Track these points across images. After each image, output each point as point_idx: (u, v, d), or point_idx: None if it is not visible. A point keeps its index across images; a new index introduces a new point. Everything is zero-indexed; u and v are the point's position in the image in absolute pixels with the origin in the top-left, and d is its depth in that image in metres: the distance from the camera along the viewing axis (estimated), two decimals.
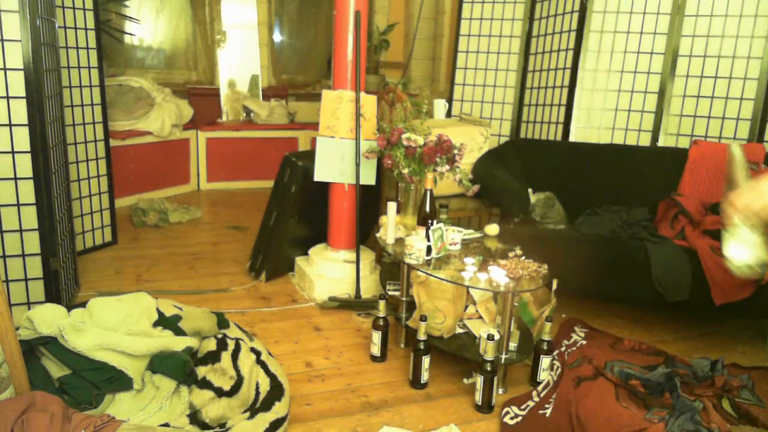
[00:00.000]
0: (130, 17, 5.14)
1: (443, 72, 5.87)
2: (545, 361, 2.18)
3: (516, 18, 3.74)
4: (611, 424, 1.92)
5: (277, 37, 5.96)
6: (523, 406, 2.02)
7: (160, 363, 1.87)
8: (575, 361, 2.32)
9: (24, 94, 2.21)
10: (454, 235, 2.34)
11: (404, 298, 2.47)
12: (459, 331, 2.30)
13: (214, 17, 5.53)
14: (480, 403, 2.02)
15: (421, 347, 2.11)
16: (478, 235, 2.54)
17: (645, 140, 3.34)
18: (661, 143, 3.31)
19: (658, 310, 2.86)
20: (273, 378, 1.94)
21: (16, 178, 2.27)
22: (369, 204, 3.11)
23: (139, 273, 3.16)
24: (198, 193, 5.11)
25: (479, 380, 1.99)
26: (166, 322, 2.05)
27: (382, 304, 2.30)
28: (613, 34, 3.33)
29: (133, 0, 5.14)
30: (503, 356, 2.11)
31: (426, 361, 2.13)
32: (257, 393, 1.87)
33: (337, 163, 2.84)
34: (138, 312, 1.99)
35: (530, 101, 3.75)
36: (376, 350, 2.34)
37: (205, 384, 1.90)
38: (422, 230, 2.22)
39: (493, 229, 2.53)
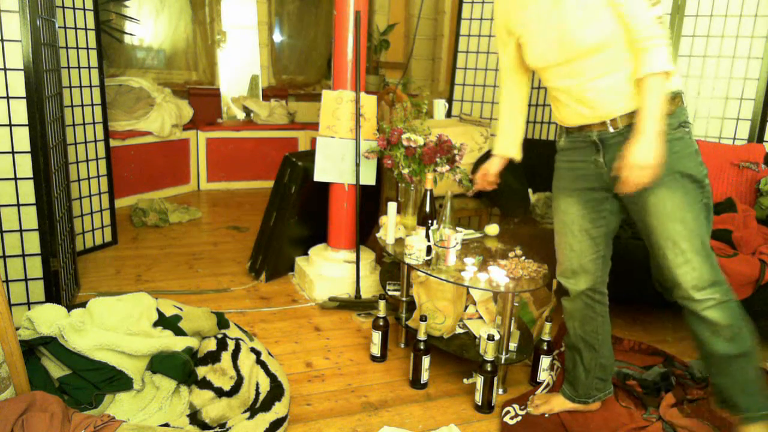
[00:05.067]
0: (130, 17, 5.14)
1: (443, 72, 5.87)
2: (545, 361, 2.18)
3: None
4: (610, 423, 1.92)
5: (277, 37, 5.96)
6: (523, 406, 2.02)
7: (160, 363, 1.87)
8: None
9: (24, 94, 2.21)
10: (454, 235, 2.34)
11: (404, 298, 2.47)
12: (459, 331, 2.29)
13: (214, 17, 5.53)
14: (480, 403, 2.01)
15: (421, 347, 2.11)
16: (478, 235, 2.54)
17: None
18: None
19: (658, 310, 2.86)
20: (273, 378, 1.94)
21: (16, 178, 2.27)
22: (369, 204, 3.11)
23: (139, 273, 3.16)
24: (198, 193, 5.11)
25: (479, 380, 1.99)
26: (166, 322, 2.05)
27: (382, 304, 2.30)
28: None
29: (133, 0, 5.14)
30: (503, 356, 2.11)
31: (426, 361, 2.13)
32: (257, 393, 1.87)
33: (337, 163, 2.84)
34: (138, 312, 1.99)
35: (530, 101, 3.74)
36: (376, 350, 2.34)
37: (205, 384, 1.90)
38: (422, 230, 2.22)
39: (493, 229, 2.53)
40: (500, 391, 2.14)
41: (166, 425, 1.72)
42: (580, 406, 1.96)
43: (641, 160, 1.48)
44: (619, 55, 1.54)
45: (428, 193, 2.24)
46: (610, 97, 1.59)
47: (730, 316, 1.58)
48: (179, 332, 2.04)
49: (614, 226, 1.79)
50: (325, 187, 2.95)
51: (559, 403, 1.98)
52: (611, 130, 1.62)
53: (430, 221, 2.22)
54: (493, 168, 1.97)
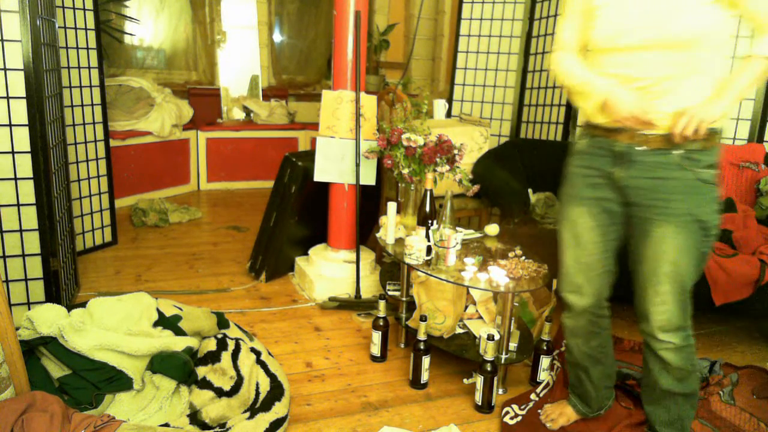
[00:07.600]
0: (130, 17, 5.14)
1: (443, 72, 5.87)
2: (545, 361, 2.18)
3: (516, 18, 3.74)
4: (609, 422, 1.92)
5: (277, 37, 5.96)
6: (522, 406, 2.02)
7: (160, 363, 1.87)
8: None
9: (24, 94, 2.22)
10: (454, 235, 2.34)
11: (404, 298, 2.47)
12: (459, 331, 2.30)
13: (214, 17, 5.53)
14: (480, 403, 2.02)
15: (421, 347, 2.11)
16: (478, 235, 2.54)
17: None
18: None
19: None
20: (273, 378, 1.94)
21: (16, 178, 2.27)
22: (369, 204, 3.11)
23: (139, 273, 3.16)
24: (198, 193, 5.11)
25: (479, 380, 1.99)
26: (166, 322, 2.05)
27: (382, 304, 2.30)
28: None
29: (133, 0, 5.14)
30: (503, 356, 2.11)
31: (426, 361, 2.13)
32: (257, 393, 1.87)
33: (337, 163, 2.84)
34: (138, 312, 1.99)
35: (530, 101, 3.74)
36: (376, 350, 2.34)
37: (205, 384, 1.90)
38: (422, 230, 2.22)
39: (493, 229, 2.53)
40: (500, 391, 2.14)
41: (166, 425, 1.72)
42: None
43: (706, 115, 1.38)
44: (707, 59, 1.41)
45: (428, 193, 2.24)
46: (675, 105, 1.44)
47: (683, 360, 1.59)
48: (179, 332, 2.04)
49: (624, 239, 1.69)
50: (325, 187, 2.95)
51: (572, 414, 1.93)
52: (641, 147, 1.50)
53: (430, 221, 2.22)
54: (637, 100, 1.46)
